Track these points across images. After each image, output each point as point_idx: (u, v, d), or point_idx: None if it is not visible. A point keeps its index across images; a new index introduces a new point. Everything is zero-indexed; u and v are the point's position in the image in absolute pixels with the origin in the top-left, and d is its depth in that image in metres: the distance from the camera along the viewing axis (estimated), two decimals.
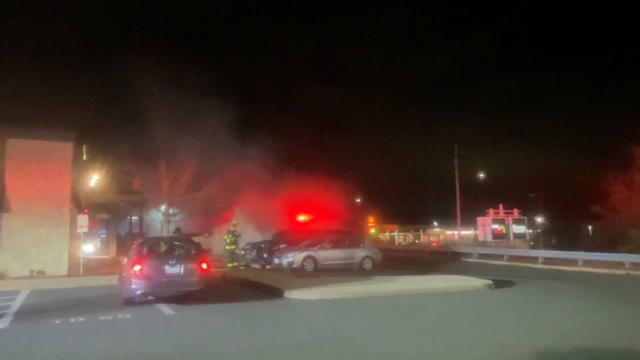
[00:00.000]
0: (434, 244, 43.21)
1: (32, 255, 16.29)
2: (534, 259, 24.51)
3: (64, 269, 16.62)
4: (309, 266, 19.15)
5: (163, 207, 23.98)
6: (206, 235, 28.37)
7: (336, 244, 20.22)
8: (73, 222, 17.75)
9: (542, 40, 79.35)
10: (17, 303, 11.82)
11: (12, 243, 16.18)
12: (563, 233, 37.14)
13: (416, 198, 59.58)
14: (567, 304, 11.87)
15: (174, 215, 23.95)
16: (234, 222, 21.35)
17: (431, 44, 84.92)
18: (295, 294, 12.54)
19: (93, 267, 19.15)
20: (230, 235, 20.31)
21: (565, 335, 8.27)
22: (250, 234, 25.50)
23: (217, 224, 27.37)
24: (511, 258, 25.83)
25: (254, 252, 22.91)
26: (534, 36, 78.50)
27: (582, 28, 78.00)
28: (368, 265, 19.93)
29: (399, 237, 63.05)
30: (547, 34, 78.13)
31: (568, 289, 14.74)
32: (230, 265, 19.79)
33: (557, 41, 79.41)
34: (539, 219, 45.94)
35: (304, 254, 19.32)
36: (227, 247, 20.24)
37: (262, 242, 23.19)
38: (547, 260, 23.74)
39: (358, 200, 55.27)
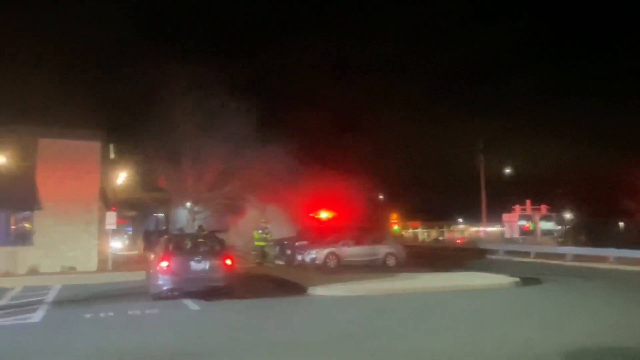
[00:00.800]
0: (459, 241, 42.64)
1: (63, 251, 16.80)
2: (562, 256, 23.94)
3: (93, 265, 17.07)
4: (332, 263, 19.15)
5: (188, 204, 24.33)
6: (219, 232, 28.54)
7: (359, 241, 20.16)
8: (101, 219, 18.20)
9: (571, 31, 77.21)
10: (50, 298, 12.20)
11: (44, 240, 16.70)
12: (593, 229, 36.15)
13: (440, 194, 58.78)
14: (597, 303, 11.55)
15: (198, 212, 24.29)
16: (263, 219, 21.53)
17: (456, 37, 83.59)
18: (318, 291, 12.57)
19: (121, 263, 19.60)
20: (259, 232, 20.46)
21: (596, 335, 8.04)
22: (274, 231, 25.64)
23: (234, 221, 27.68)
24: (538, 255, 25.31)
25: (277, 249, 23.07)
26: (563, 28, 76.46)
27: (612, 18, 75.54)
28: (391, 262, 19.81)
29: (422, 233, 62.47)
30: (576, 25, 75.99)
31: (598, 287, 14.35)
32: (259, 262, 20.03)
33: (586, 32, 77.14)
34: (568, 215, 44.81)
35: (327, 250, 19.34)
36: (256, 244, 20.51)
37: (285, 239, 23.31)
38: (577, 258, 23.15)
39: (381, 196, 54.99)
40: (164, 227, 30.83)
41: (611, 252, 22.41)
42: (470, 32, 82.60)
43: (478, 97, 79.38)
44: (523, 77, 78.88)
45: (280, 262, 21.96)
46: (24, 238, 17.13)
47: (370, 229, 25.16)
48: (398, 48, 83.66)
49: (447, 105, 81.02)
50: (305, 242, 21.21)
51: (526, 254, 26.13)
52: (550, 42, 76.71)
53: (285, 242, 22.70)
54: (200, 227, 22.39)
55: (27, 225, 17.70)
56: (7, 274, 15.68)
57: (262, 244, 20.50)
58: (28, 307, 10.78)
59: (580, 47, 75.23)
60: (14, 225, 17.85)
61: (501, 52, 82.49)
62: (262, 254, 20.54)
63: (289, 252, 21.71)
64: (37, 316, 9.81)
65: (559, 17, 76.44)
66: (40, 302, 11.36)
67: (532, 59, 78.28)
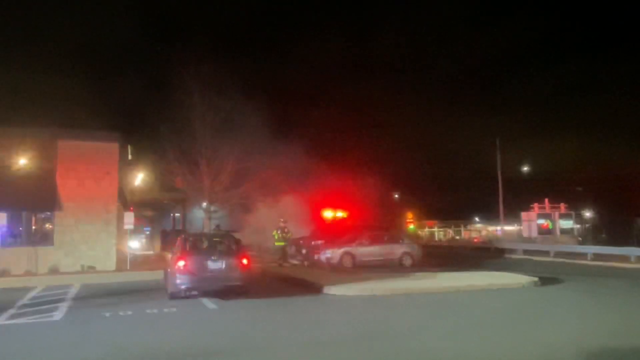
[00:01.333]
0: (476, 240, 42.16)
1: (83, 251, 17.09)
2: (582, 255, 23.52)
3: (112, 264, 17.33)
4: (348, 262, 19.10)
5: (204, 204, 24.55)
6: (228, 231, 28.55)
7: (374, 240, 20.07)
8: (120, 219, 18.47)
9: (590, 27, 75.79)
10: (70, 296, 12.43)
11: (64, 239, 17.02)
12: (614, 228, 35.46)
13: (456, 193, 58.26)
14: (619, 302, 11.32)
15: (215, 212, 24.49)
16: (282, 219, 21.18)
17: (471, 33, 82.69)
18: (334, 290, 12.56)
19: (139, 263, 19.85)
20: (279, 232, 20.16)
21: (617, 335, 7.88)
22: (290, 230, 25.67)
23: (249, 220, 27.79)
24: (558, 254, 24.89)
25: (293, 248, 23.11)
26: (581, 23, 75.12)
27: (633, 14, 73.91)
28: (407, 261, 19.68)
29: (439, 233, 61.98)
30: (595, 20, 74.52)
31: (620, 287, 14.05)
32: (281, 262, 19.72)
33: (604, 28, 75.62)
34: (588, 214, 44.04)
35: (342, 250, 19.29)
36: (276, 244, 20.29)
37: (301, 239, 23.34)
38: (597, 257, 22.72)
39: (396, 196, 54.73)
40: (181, 227, 31.14)
41: (632, 251, 21.94)
42: (488, 29, 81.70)
43: (495, 94, 78.45)
44: (541, 73, 77.67)
45: (296, 262, 22.00)
46: (44, 238, 17.47)
47: (386, 228, 25.09)
48: (415, 46, 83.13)
49: (464, 103, 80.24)
50: (320, 242, 21.20)
51: (545, 253, 25.72)
52: (570, 38, 75.42)
53: (301, 242, 22.73)
54: (217, 226, 22.60)
55: (47, 225, 18.05)
56: (28, 274, 16.02)
57: (283, 243, 20.28)
58: (49, 305, 10.99)
59: (600, 42, 73.79)
60: (35, 225, 18.21)
61: (520, 48, 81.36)
62: (284, 253, 20.32)
63: (304, 251, 21.72)
64: (58, 315, 10.00)
65: (578, 12, 75.08)
66: (61, 301, 11.57)
67: (550, 55, 77.05)
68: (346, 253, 19.28)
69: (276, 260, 20.10)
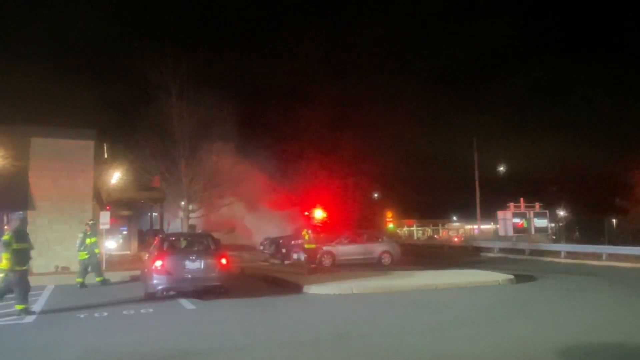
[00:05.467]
0: (456, 239, 42.65)
1: (57, 251, 16.67)
2: (556, 254, 24.10)
3: None
4: (327, 261, 19.16)
5: (182, 204, 24.28)
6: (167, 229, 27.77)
7: (354, 239, 20.20)
8: (95, 219, 18.07)
9: (564, 28, 77.62)
10: (43, 298, 12.11)
11: (37, 239, 16.49)
12: (586, 227, 36.41)
13: (434, 192, 59.03)
14: (590, 299, 11.63)
15: (193, 211, 24.23)
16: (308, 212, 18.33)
17: (448, 34, 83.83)
18: (314, 289, 12.57)
19: (115, 263, 19.50)
20: (310, 232, 17.23)
21: (589, 331, 8.10)
22: (271, 230, 25.63)
23: (231, 220, 27.62)
24: (533, 252, 25.44)
25: (273, 248, 23.05)
26: (556, 25, 76.86)
27: (606, 16, 76.04)
28: (386, 260, 19.86)
29: (417, 231, 62.65)
30: (570, 22, 76.36)
31: (591, 284, 14.45)
32: (314, 265, 16.53)
33: (579, 30, 77.57)
34: (562, 213, 45.12)
35: (322, 249, 19.33)
36: (306, 246, 17.02)
37: (280, 238, 23.32)
38: (570, 255, 23.32)
39: (376, 195, 55.07)
40: (159, 227, 30.73)
41: (604, 249, 22.60)
42: (463, 30, 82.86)
43: (472, 95, 79.70)
44: (517, 74, 79.23)
45: (275, 261, 21.95)
46: None
47: (365, 227, 25.27)
48: (392, 47, 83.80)
49: (442, 104, 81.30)
50: (300, 241, 21.21)
51: (521, 251, 26.26)
52: (546, 39, 77.09)
53: (281, 241, 22.71)
54: (191, 226, 22.35)
55: None
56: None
57: (314, 246, 17.03)
58: None
59: (576, 44, 75.64)
60: (6, 225, 17.70)
61: (496, 50, 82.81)
62: (313, 256, 17.04)
63: (283, 250, 21.71)
64: (30, 316, 9.73)
65: (552, 15, 76.80)
66: (33, 303, 11.25)
67: (526, 56, 78.63)
68: (326, 252, 19.33)
69: (309, 266, 16.53)
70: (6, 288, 9.97)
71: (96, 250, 14.53)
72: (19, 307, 9.81)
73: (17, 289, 9.85)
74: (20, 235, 10.20)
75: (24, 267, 10.03)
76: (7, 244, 9.81)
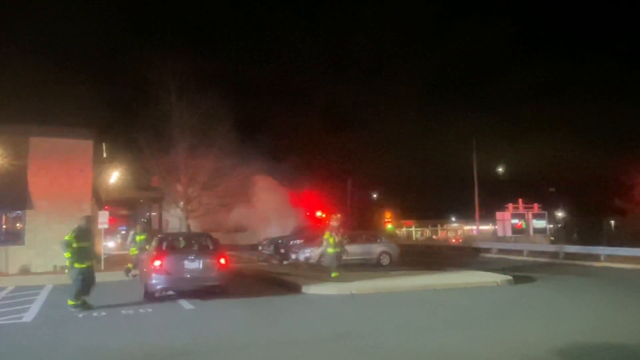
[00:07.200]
0: (455, 240, 42.63)
1: (55, 250, 16.56)
2: (554, 255, 24.11)
3: None
4: None
5: (181, 203, 24.24)
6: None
7: (353, 239, 20.14)
8: (94, 219, 18.05)
9: (563, 29, 77.73)
10: (42, 297, 12.09)
11: (36, 239, 16.55)
12: (585, 228, 36.47)
13: (433, 193, 59.05)
14: (589, 300, 11.63)
15: (192, 211, 24.19)
16: (335, 217, 15.82)
17: (447, 36, 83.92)
18: (313, 289, 12.56)
19: (114, 263, 19.45)
20: (333, 234, 14.89)
21: (587, 332, 8.10)
22: (270, 230, 25.60)
23: (228, 220, 27.58)
24: (531, 253, 25.46)
25: (272, 248, 23.05)
26: (555, 25, 76.97)
27: (605, 16, 76.16)
28: (385, 260, 19.83)
29: (416, 232, 62.66)
30: (569, 22, 76.47)
31: (590, 285, 14.46)
32: (334, 275, 14.33)
33: (578, 30, 77.71)
34: (560, 214, 45.20)
35: (321, 249, 19.30)
36: (329, 251, 14.85)
37: (280, 238, 23.32)
38: (569, 256, 23.31)
39: (374, 195, 55.07)
40: (157, 226, 30.70)
41: (602, 250, 22.60)
42: (463, 30, 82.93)
43: (471, 96, 79.79)
44: (516, 75, 79.32)
45: (275, 261, 21.94)
46: (15, 237, 16.96)
47: (364, 227, 25.25)
48: (392, 47, 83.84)
49: (441, 105, 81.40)
50: (299, 241, 21.21)
51: (519, 252, 26.27)
52: (544, 40, 77.19)
53: (280, 241, 22.71)
54: (187, 225, 22.30)
55: (18, 224, 17.53)
56: None
57: (339, 249, 15.02)
58: (19, 306, 10.67)
59: (574, 45, 75.74)
60: (5, 224, 17.68)
61: (495, 50, 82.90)
62: (339, 260, 15.16)
63: (282, 250, 21.70)
64: (28, 316, 9.72)
65: (550, 15, 76.91)
66: (31, 302, 11.25)
67: (525, 57, 78.71)
68: None
69: (331, 273, 14.51)
70: (83, 282, 10.41)
71: (146, 247, 14.88)
72: (70, 302, 10.26)
73: (74, 284, 10.32)
74: (83, 234, 10.62)
75: (84, 265, 10.46)
76: (67, 244, 10.29)
